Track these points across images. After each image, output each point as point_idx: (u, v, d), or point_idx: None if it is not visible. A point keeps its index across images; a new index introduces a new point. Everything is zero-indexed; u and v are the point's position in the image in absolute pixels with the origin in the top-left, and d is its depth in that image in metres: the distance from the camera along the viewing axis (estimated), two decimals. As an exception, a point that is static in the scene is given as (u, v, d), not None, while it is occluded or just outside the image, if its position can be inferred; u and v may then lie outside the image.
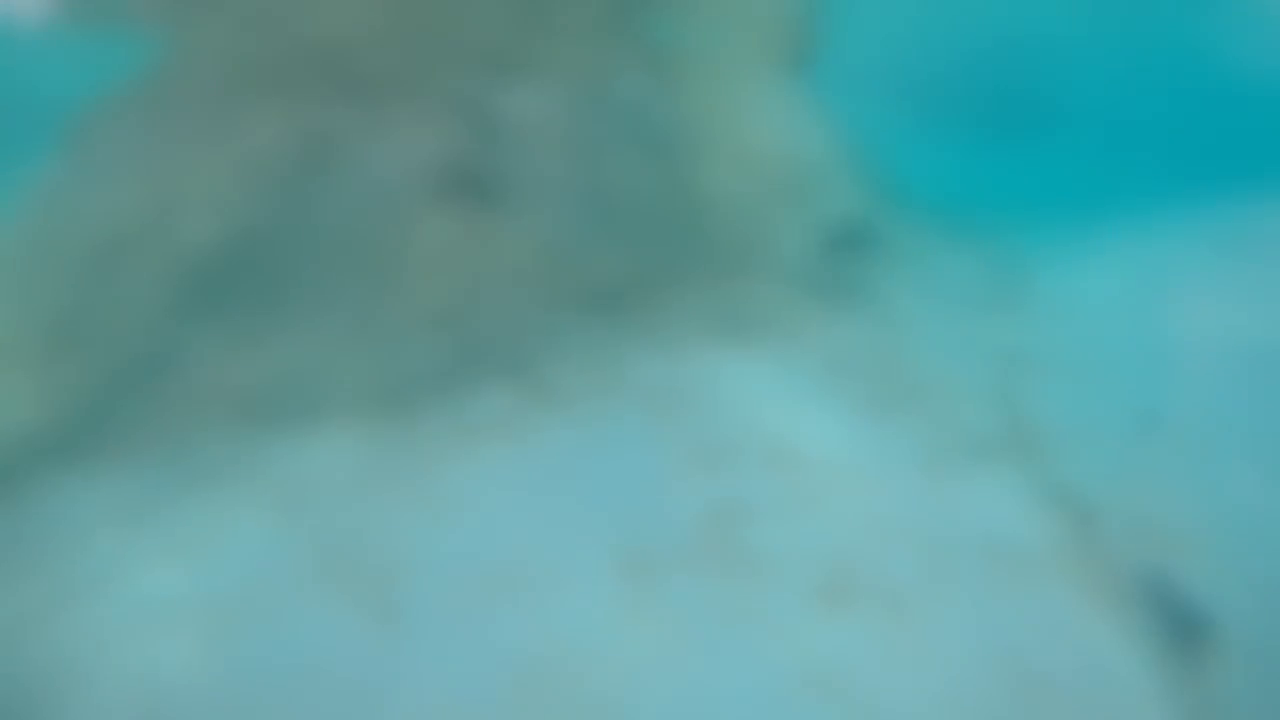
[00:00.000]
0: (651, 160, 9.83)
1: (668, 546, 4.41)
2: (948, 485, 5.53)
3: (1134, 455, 6.21)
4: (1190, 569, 4.97)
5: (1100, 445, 6.30)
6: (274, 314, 7.98)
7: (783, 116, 10.27)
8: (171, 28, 10.03)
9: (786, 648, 4.09)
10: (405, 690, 3.81)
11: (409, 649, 4.00)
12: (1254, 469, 5.75)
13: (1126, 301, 8.00)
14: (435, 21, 10.06)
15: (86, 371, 7.34)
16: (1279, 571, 4.61)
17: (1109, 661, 4.25)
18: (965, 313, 8.23)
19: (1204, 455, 6.13)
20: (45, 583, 4.90)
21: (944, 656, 4.28)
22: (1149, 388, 7.08)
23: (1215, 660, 4.25)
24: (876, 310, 8.21)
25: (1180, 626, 4.44)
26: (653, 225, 9.16)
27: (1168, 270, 8.01)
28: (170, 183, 8.75)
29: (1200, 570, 4.93)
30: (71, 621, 4.64)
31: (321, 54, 9.50)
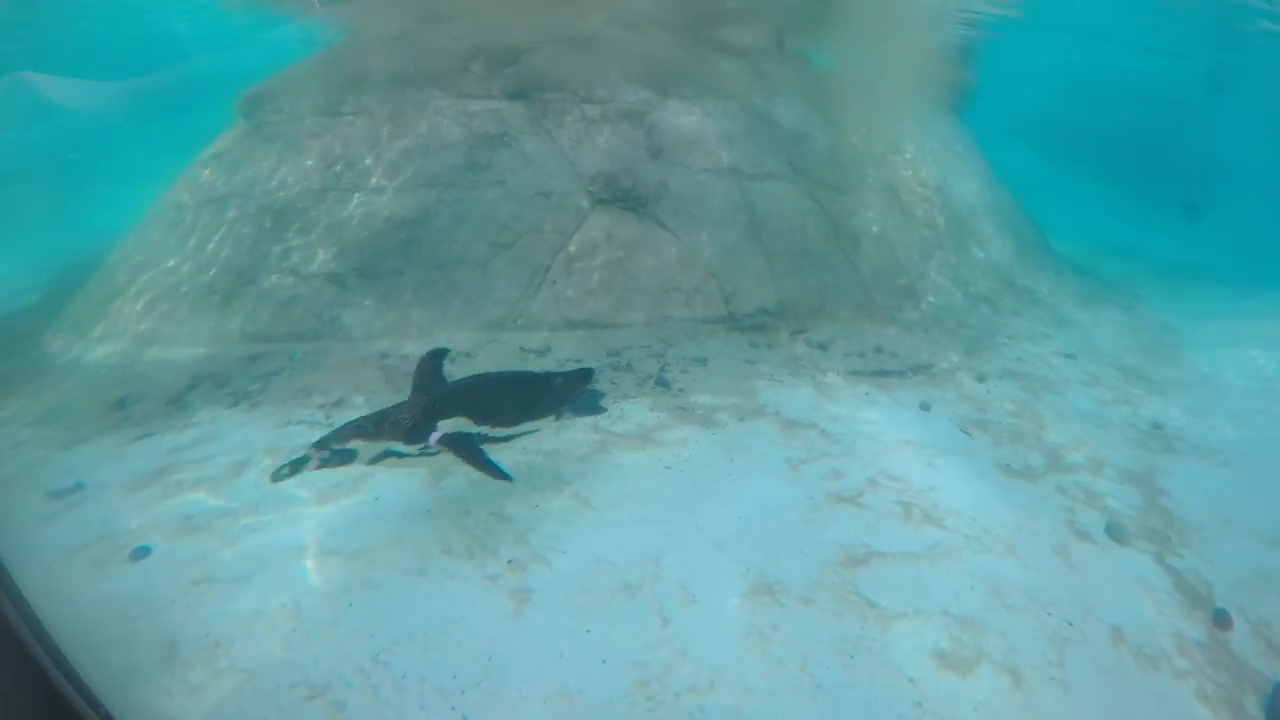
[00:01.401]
0: (808, 188, 9.93)
1: (798, 581, 4.45)
2: (1082, 563, 5.35)
3: (1275, 560, 5.85)
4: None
5: (1242, 544, 5.98)
6: (431, 295, 8.43)
7: (938, 160, 10.10)
8: (354, 16, 10.75)
9: (900, 701, 4.05)
10: (527, 668, 4.00)
11: (536, 631, 4.19)
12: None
13: None
14: (607, 38, 10.41)
15: (252, 321, 8.01)
16: None
17: (1220, 773, 3.93)
18: (1111, 379, 7.91)
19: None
20: (204, 498, 5.36)
21: (1056, 738, 4.06)
22: None
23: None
24: (1019, 369, 8.01)
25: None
26: (804, 254, 9.22)
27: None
28: (343, 158, 9.38)
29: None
30: (225, 535, 5.04)
31: (497, 56, 9.95)
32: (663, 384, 7.41)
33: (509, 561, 4.72)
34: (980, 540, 5.24)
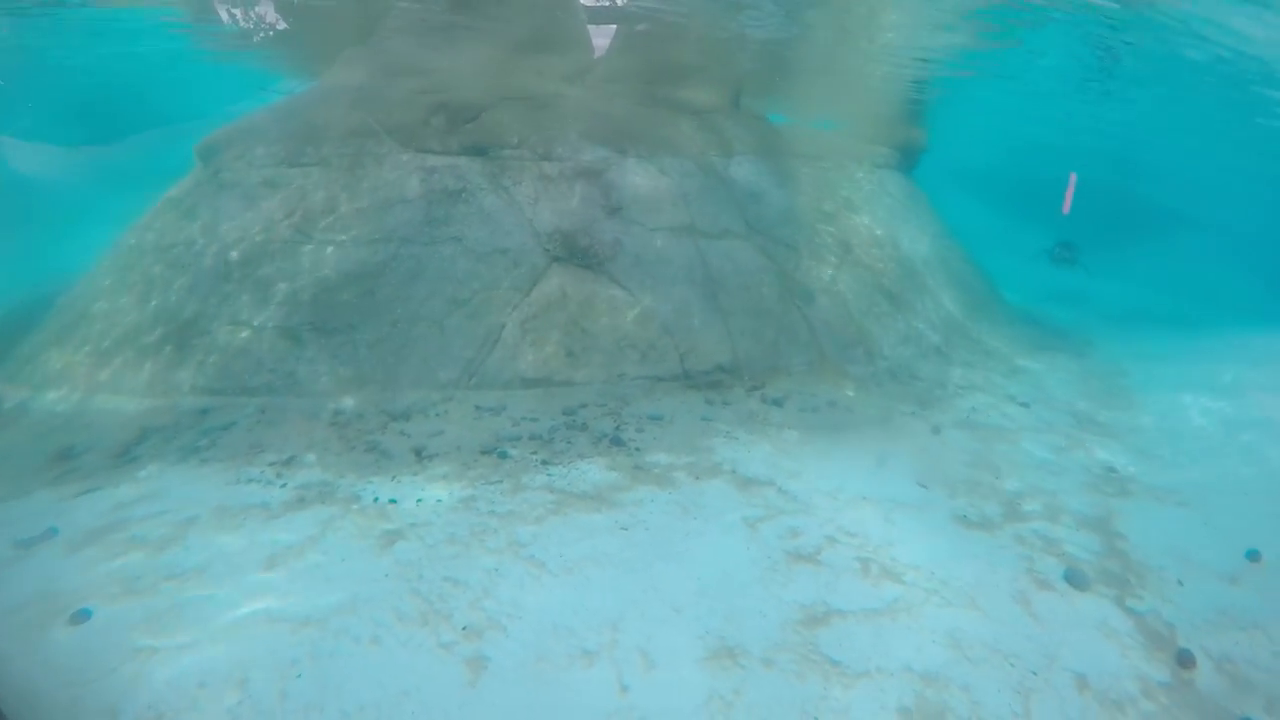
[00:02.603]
0: (763, 245, 10.13)
1: (759, 642, 4.39)
2: (1043, 612, 5.37)
3: (1234, 596, 5.95)
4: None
5: (1200, 582, 6.07)
6: (387, 351, 8.37)
7: (890, 216, 10.35)
8: (319, 67, 10.83)
9: (862, 764, 3.90)
10: (482, 737, 3.77)
11: (492, 701, 4.07)
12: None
13: (1235, 428, 7.78)
14: (567, 97, 10.61)
15: (204, 373, 7.87)
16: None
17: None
18: (1064, 426, 8.10)
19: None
20: (149, 558, 5.16)
21: (1026, 795, 4.00)
22: (1253, 522, 6.82)
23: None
24: (973, 419, 8.15)
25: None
26: (759, 311, 9.35)
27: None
28: (300, 209, 9.38)
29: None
30: (170, 599, 4.84)
31: (457, 112, 10.06)
32: (618, 443, 7.34)
33: (464, 628, 4.57)
34: (940, 593, 5.22)
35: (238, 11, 14.45)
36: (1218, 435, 8.59)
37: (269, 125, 10.50)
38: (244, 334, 8.32)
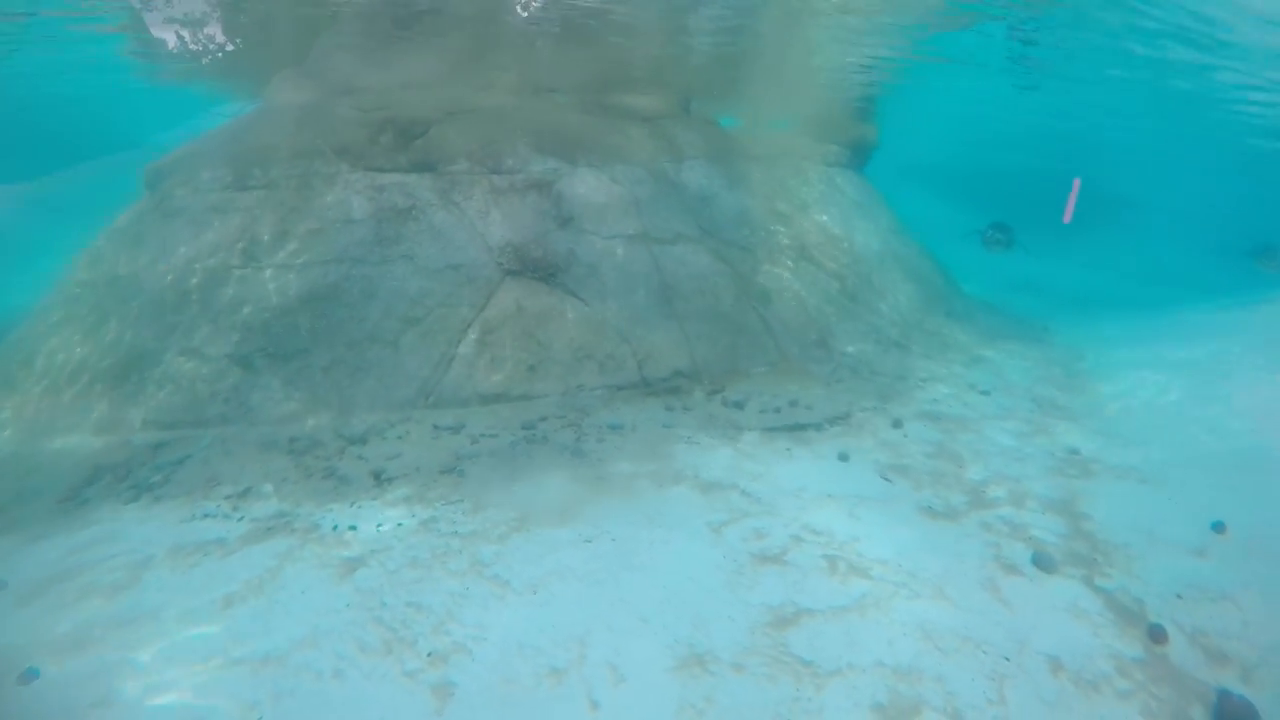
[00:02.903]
0: (717, 249, 10.03)
1: (728, 647, 4.32)
2: (1012, 597, 5.35)
3: (1201, 569, 5.98)
4: (1262, 693, 4.68)
5: (1166, 557, 6.09)
6: (342, 375, 8.15)
7: (844, 213, 10.36)
8: (262, 88, 10.59)
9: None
10: (450, 769, 3.65)
11: (458, 729, 3.85)
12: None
13: (1193, 403, 7.86)
14: (516, 109, 10.45)
15: (156, 407, 7.61)
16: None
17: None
18: (1025, 411, 8.13)
19: (1274, 569, 5.85)
20: (102, 606, 4.95)
21: (1007, 783, 3.96)
22: (1216, 495, 6.87)
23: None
24: (934, 410, 8.16)
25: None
26: (716, 314, 9.25)
27: (1237, 371, 7.81)
28: (249, 233, 9.11)
29: (1273, 695, 4.63)
30: (124, 648, 4.63)
31: (405, 128, 9.86)
32: (579, 455, 7.28)
33: (429, 654, 4.46)
34: (908, 586, 5.22)
35: (186, 34, 14.15)
36: (1176, 411, 8.72)
37: (214, 149, 10.28)
38: (196, 364, 8.13)
